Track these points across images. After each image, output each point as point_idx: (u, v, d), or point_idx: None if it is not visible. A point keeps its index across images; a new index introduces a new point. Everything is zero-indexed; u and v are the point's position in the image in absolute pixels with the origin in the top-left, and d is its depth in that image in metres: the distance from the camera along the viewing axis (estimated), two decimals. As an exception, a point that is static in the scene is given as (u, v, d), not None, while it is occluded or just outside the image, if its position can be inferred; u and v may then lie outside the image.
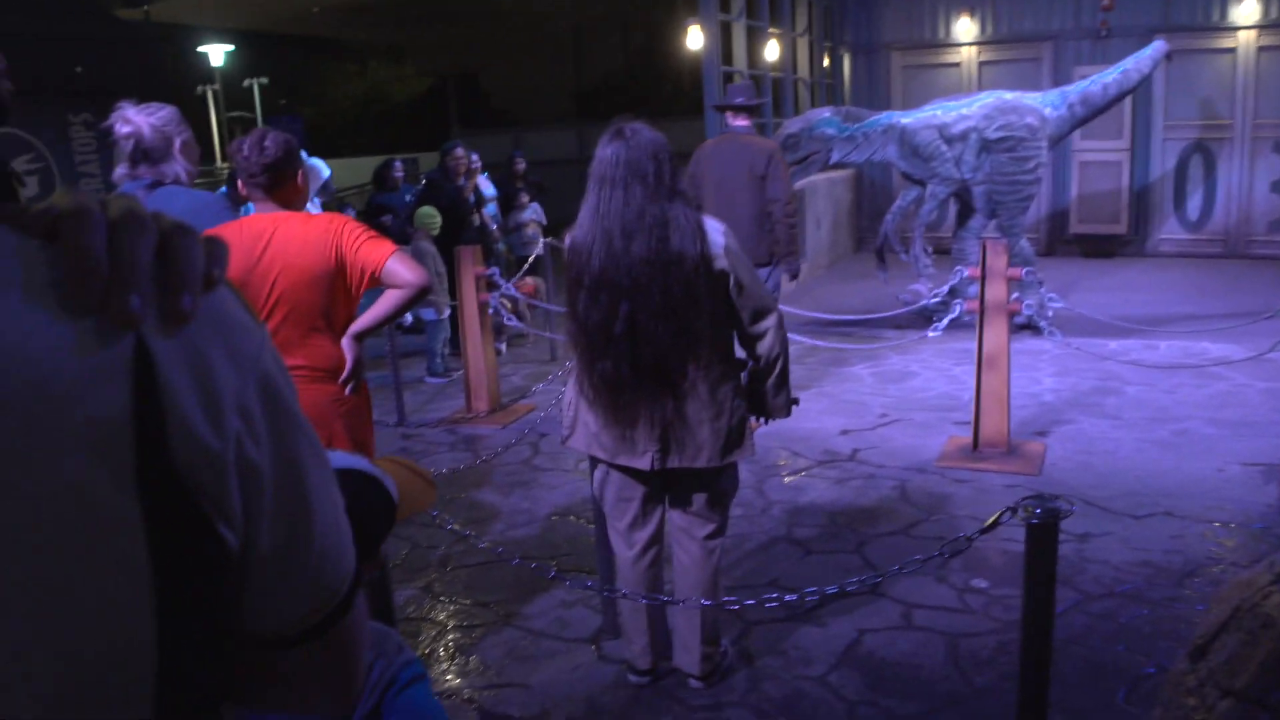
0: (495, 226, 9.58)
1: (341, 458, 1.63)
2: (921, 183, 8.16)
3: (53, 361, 0.58)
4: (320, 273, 2.97)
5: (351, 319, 3.12)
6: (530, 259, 8.81)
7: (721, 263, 2.80)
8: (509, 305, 7.93)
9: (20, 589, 0.57)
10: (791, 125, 8.23)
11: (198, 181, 3.40)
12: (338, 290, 3.03)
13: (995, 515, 2.39)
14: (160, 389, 0.61)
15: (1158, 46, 8.38)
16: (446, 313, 7.62)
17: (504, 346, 8.54)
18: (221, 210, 3.26)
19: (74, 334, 0.59)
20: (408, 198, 9.16)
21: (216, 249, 0.67)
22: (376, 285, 3.01)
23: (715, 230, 2.81)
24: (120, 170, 3.21)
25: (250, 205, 3.29)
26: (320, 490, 0.74)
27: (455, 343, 7.64)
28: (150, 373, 0.61)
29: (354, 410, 3.13)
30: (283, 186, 3.10)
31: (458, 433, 6.28)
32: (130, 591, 0.61)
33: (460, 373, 7.08)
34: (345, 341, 3.07)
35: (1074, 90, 8.26)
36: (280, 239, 2.98)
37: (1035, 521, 2.15)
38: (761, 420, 3.09)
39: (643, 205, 2.72)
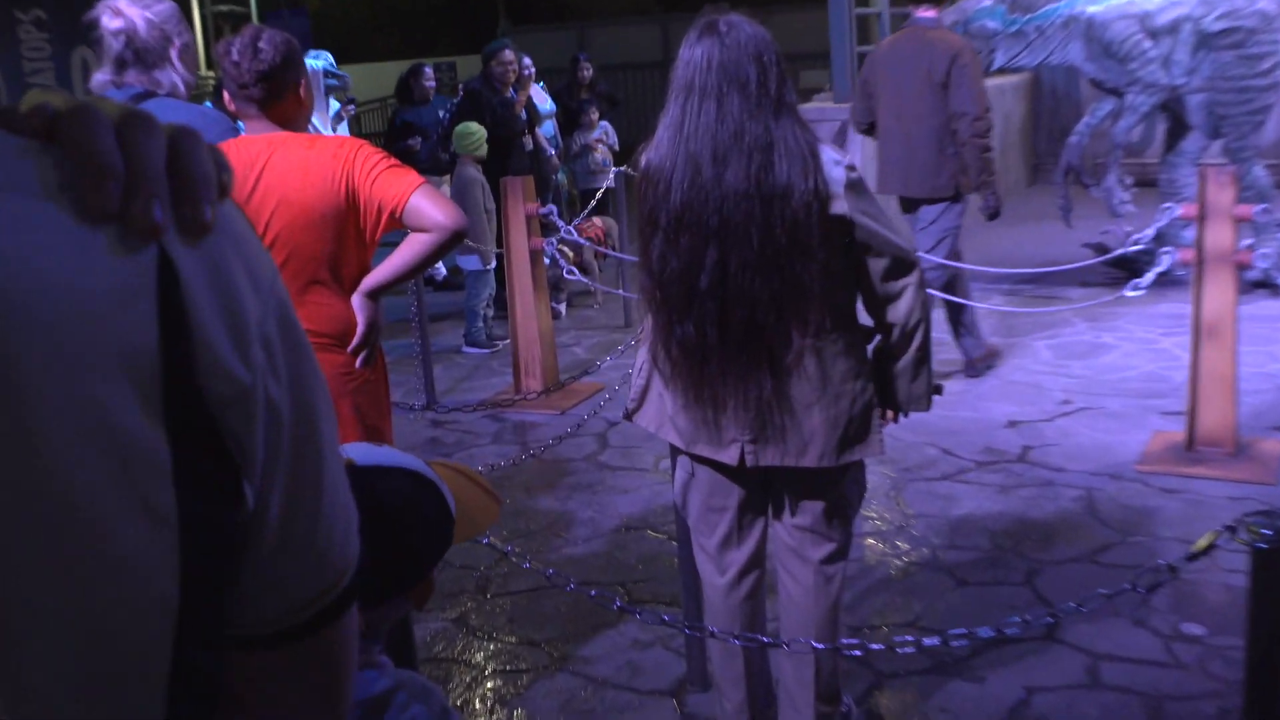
0: (554, 152, 9.64)
1: (388, 454, 1.63)
2: (1118, 92, 8.01)
3: (80, 274, 0.63)
4: (326, 211, 3.01)
5: (365, 271, 3.15)
6: (599, 193, 8.87)
7: (840, 204, 2.77)
8: (570, 254, 7.99)
9: (42, 540, 0.62)
10: (947, 15, 8.12)
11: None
12: (348, 234, 3.06)
13: (1209, 536, 2.33)
14: (187, 309, 0.67)
15: None
16: (493, 264, 7.71)
17: (563, 308, 8.62)
18: (226, 130, 3.32)
19: (98, 243, 0.64)
20: (441, 114, 9.28)
21: (220, 156, 0.73)
22: (398, 228, 3.04)
23: (833, 160, 2.79)
24: (101, 76, 3.28)
25: (240, 125, 3.34)
26: (331, 448, 0.80)
27: (501, 302, 7.72)
28: (175, 291, 0.66)
29: (366, 388, 3.17)
30: (281, 100, 3.13)
31: (503, 419, 6.35)
32: (157, 548, 0.67)
33: (507, 342, 7.15)
34: (356, 299, 3.10)
35: None
36: (277, 167, 3.02)
37: (1263, 545, 2.09)
38: (890, 415, 3.06)
39: (740, 122, 2.71)
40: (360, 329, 3.09)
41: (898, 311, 2.91)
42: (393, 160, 3.08)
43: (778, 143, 2.72)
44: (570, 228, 6.97)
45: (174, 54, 3.23)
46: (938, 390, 3.10)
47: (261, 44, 3.08)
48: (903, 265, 2.88)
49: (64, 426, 0.62)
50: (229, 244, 0.71)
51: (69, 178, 0.64)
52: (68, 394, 0.61)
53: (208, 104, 8.22)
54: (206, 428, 0.68)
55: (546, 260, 6.67)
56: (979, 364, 6.49)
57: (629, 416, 3.13)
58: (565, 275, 7.08)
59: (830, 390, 2.86)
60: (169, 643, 0.69)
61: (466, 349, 7.82)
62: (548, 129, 9.75)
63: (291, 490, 0.76)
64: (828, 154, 2.80)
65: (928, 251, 6.11)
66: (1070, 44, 8.00)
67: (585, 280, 7.25)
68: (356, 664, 0.91)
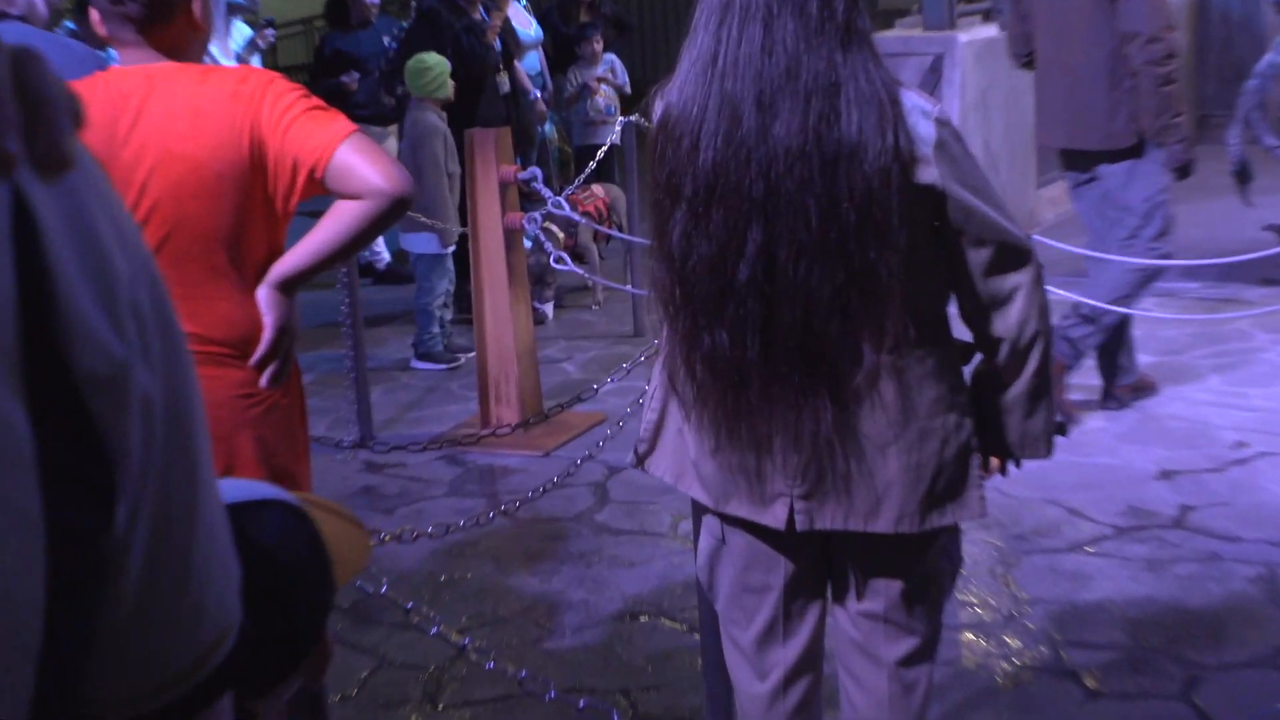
0: (539, 94, 9.64)
1: (248, 487, 1.63)
2: None
3: None
4: (223, 170, 3.02)
5: (276, 254, 3.15)
6: (600, 152, 8.83)
7: (929, 170, 2.76)
8: (560, 235, 7.98)
9: None
10: None
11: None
12: (253, 202, 3.07)
13: None
14: (48, 261, 0.70)
15: None
16: (453, 246, 7.74)
17: (550, 309, 8.67)
18: (90, 63, 3.37)
19: None
20: (387, 41, 9.35)
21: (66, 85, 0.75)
22: (321, 193, 3.05)
23: (921, 110, 2.78)
24: None
25: (111, 55, 3.38)
26: (208, 469, 0.85)
27: (464, 301, 7.72)
28: (33, 239, 0.70)
29: (274, 415, 3.18)
30: (168, 21, 3.13)
31: (465, 462, 6.37)
32: (17, 560, 0.68)
33: (472, 355, 7.17)
34: (263, 293, 3.09)
35: None
36: (157, 110, 3.02)
37: None
38: (996, 463, 3.06)
39: (795, 54, 2.70)
40: (267, 333, 3.07)
41: (1007, 322, 2.88)
42: (314, 100, 3.08)
43: (845, 84, 2.70)
44: (561, 199, 6.93)
45: None
46: (1061, 430, 3.08)
47: None
48: (1013, 256, 2.86)
49: None
50: (89, 189, 0.75)
51: None
52: None
53: (67, 25, 8.28)
54: (74, 414, 0.71)
55: (528, 243, 6.67)
56: (1125, 394, 6.47)
57: (640, 463, 3.13)
58: (553, 264, 7.08)
59: (913, 427, 2.85)
60: (29, 668, 0.71)
61: (416, 364, 7.86)
62: (531, 63, 9.79)
63: (162, 514, 0.78)
64: (913, 101, 2.78)
65: (1134, 235, 6.15)
66: None
67: (580, 271, 7.22)
68: None
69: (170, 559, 0.81)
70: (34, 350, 0.69)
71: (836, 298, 2.71)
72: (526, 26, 10.01)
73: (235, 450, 3.04)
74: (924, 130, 2.76)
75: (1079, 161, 6.37)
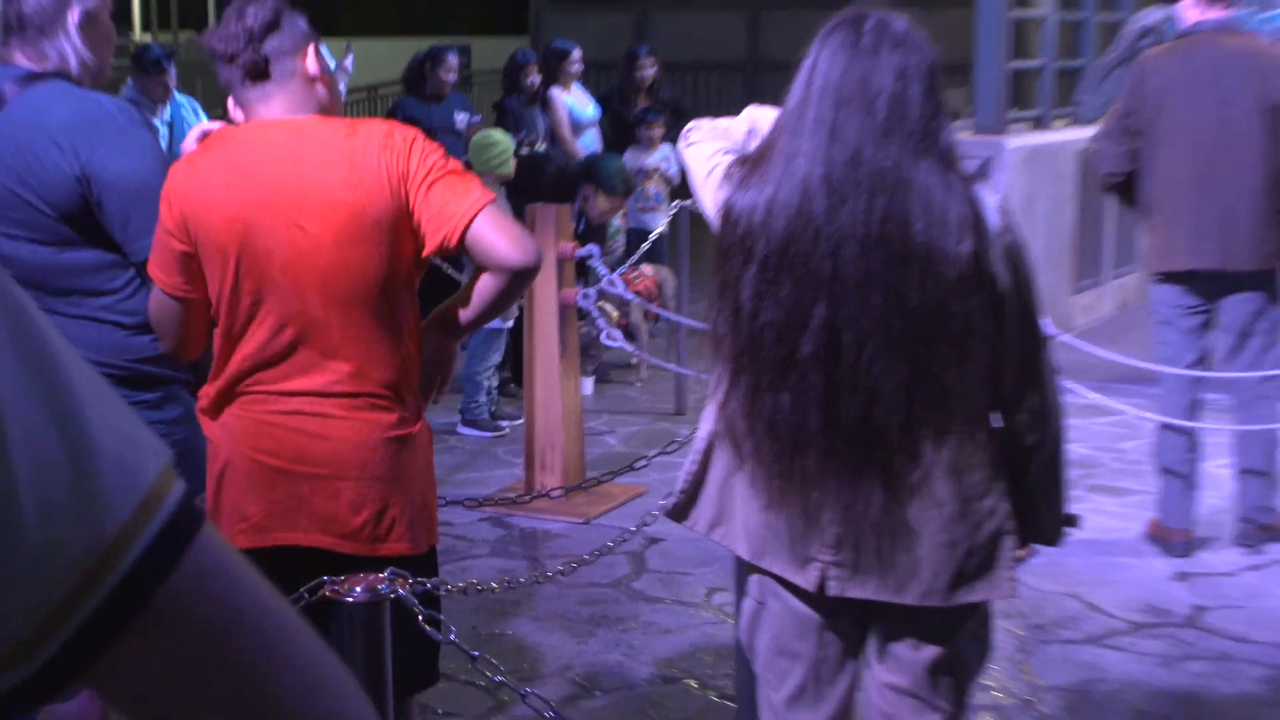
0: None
1: None
2: None
3: None
4: (380, 216, 3.12)
5: (415, 301, 3.31)
6: (654, 234, 8.76)
7: (1001, 276, 2.82)
8: (613, 313, 8.02)
9: None
10: (1150, 15, 8.17)
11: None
12: (403, 248, 3.18)
13: None
14: None
15: None
16: (510, 322, 7.74)
17: (589, 383, 8.59)
18: (127, 124, 3.42)
19: None
20: (457, 115, 9.52)
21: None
22: (455, 254, 3.28)
23: (991, 206, 2.85)
24: None
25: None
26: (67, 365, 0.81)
27: (515, 371, 7.84)
28: None
29: (418, 453, 3.34)
30: (287, 76, 3.22)
31: (508, 524, 6.43)
32: None
33: (519, 423, 7.24)
34: (429, 336, 3.34)
35: None
36: (313, 159, 3.13)
37: None
38: (1027, 548, 3.08)
39: (859, 146, 2.76)
40: (425, 366, 3.34)
41: (1025, 414, 2.94)
42: (455, 163, 3.21)
43: (914, 186, 2.74)
44: (614, 276, 6.97)
45: (71, 22, 3.30)
46: (1070, 521, 3.12)
47: (249, 6, 3.18)
48: (1037, 354, 2.96)
49: None
50: None
51: None
52: None
53: (130, 84, 8.42)
54: None
55: (580, 320, 6.74)
56: (1264, 534, 6.12)
57: (677, 513, 3.16)
58: (604, 340, 7.16)
59: (953, 508, 2.87)
60: None
61: (463, 429, 7.89)
62: (588, 141, 9.85)
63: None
64: (987, 199, 2.84)
65: (1265, 354, 5.94)
66: None
67: (630, 348, 7.24)
68: None
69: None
70: None
71: (899, 393, 2.75)
72: (584, 106, 10.17)
73: (391, 484, 3.20)
74: (993, 220, 2.81)
75: (1215, 288, 5.96)
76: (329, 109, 3.30)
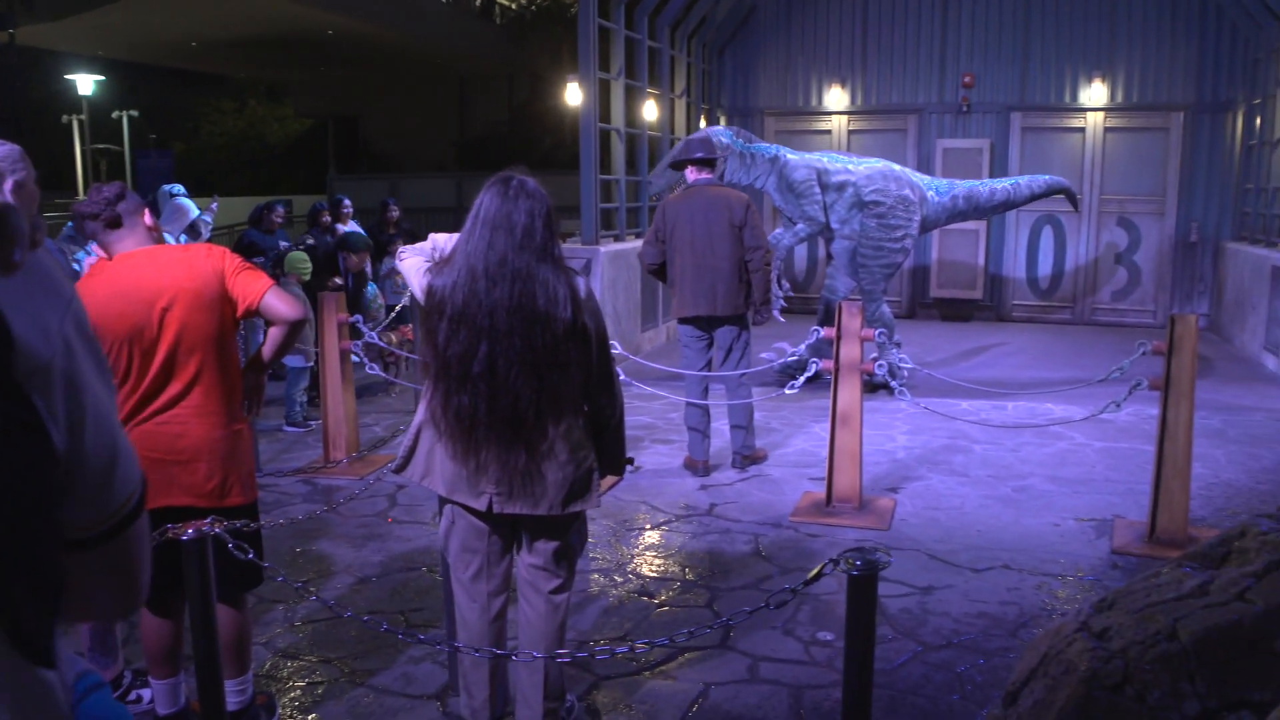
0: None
1: None
2: (792, 221, 8.16)
3: None
4: (211, 296, 3.04)
5: (235, 351, 3.17)
6: (398, 308, 8.70)
7: (588, 322, 2.87)
8: (376, 354, 7.84)
9: None
10: (693, 136, 8.36)
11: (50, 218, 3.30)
12: (226, 316, 3.09)
13: (818, 568, 2.47)
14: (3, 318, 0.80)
15: (1055, 180, 8.81)
16: (311, 361, 7.50)
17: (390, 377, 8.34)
18: (53, 255, 3.21)
19: None
20: (283, 244, 9.03)
21: (28, 223, 0.86)
22: (252, 317, 3.12)
23: (582, 288, 2.88)
24: None
25: (82, 255, 3.22)
26: (111, 405, 0.94)
27: (315, 389, 7.50)
28: None
29: (241, 440, 3.19)
30: (134, 222, 3.08)
31: (314, 483, 6.16)
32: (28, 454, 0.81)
33: (319, 422, 6.95)
34: (248, 373, 3.22)
35: (963, 185, 8.52)
36: (169, 267, 3.01)
37: (855, 573, 2.23)
38: (610, 480, 3.11)
39: (505, 253, 2.78)
40: (246, 388, 3.24)
41: (604, 405, 3.01)
42: (250, 264, 3.16)
43: (538, 277, 2.79)
44: (373, 333, 6.88)
45: (6, 189, 3.04)
46: (630, 461, 3.18)
47: (104, 186, 3.10)
48: (609, 370, 2.98)
49: None
50: (34, 275, 0.85)
51: None
52: None
53: (69, 226, 7.81)
54: (15, 391, 0.80)
55: (355, 358, 6.53)
56: (747, 461, 6.28)
57: (399, 469, 3.09)
58: (369, 370, 6.86)
59: (565, 458, 2.92)
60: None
61: (286, 428, 7.54)
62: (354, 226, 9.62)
63: (92, 432, 0.89)
64: (580, 285, 2.88)
65: (740, 360, 6.03)
66: (770, 176, 7.96)
67: (383, 375, 7.09)
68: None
69: (101, 443, 0.90)
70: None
71: (533, 397, 2.80)
72: (359, 229, 9.86)
73: (228, 462, 3.10)
74: (583, 296, 2.88)
75: (709, 324, 6.07)
76: (159, 244, 3.16)
